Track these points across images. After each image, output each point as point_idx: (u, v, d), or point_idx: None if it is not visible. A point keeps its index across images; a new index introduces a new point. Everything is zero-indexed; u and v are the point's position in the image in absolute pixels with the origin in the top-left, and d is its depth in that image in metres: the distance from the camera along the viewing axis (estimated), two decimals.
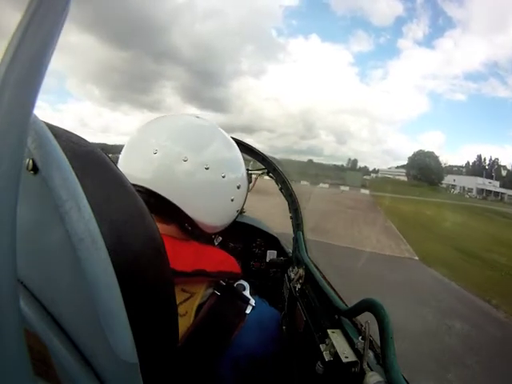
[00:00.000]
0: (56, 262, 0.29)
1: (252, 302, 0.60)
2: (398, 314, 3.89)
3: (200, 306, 0.54)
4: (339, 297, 0.73)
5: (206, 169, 0.58)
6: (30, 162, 0.26)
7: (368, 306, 0.56)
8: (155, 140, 0.59)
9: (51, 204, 0.26)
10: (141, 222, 0.36)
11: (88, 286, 0.27)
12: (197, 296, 0.54)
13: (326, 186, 43.21)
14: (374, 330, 0.54)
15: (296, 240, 1.13)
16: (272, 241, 1.43)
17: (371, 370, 0.51)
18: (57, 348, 0.29)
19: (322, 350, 0.63)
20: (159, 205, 0.56)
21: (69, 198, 0.26)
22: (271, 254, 1.40)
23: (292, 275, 1.05)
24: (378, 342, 0.52)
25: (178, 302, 0.50)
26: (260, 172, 1.22)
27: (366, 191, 40.55)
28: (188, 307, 0.53)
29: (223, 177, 0.60)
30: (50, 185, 0.26)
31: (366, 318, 0.57)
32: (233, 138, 0.71)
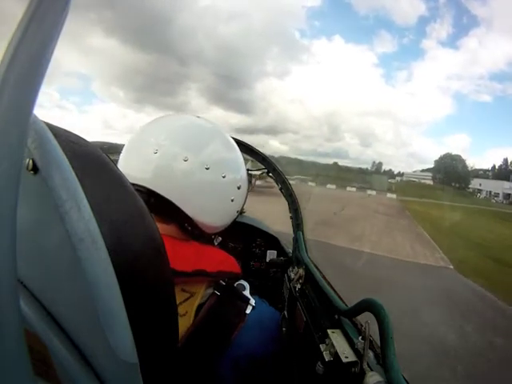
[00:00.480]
0: (56, 261, 0.29)
1: (252, 301, 0.60)
2: (443, 331, 3.84)
3: (200, 306, 0.54)
4: (339, 297, 0.73)
5: (207, 169, 0.58)
6: (30, 161, 0.26)
7: (368, 306, 0.56)
8: (155, 140, 0.59)
9: (51, 204, 0.26)
10: (141, 222, 0.36)
11: (88, 286, 0.27)
12: (197, 296, 0.54)
13: (353, 189, 43.13)
14: (374, 330, 0.54)
15: (296, 240, 1.13)
16: (272, 241, 1.43)
17: (371, 369, 0.51)
18: (57, 348, 0.29)
19: (322, 350, 0.62)
20: (159, 204, 0.56)
21: (69, 198, 0.26)
22: (271, 254, 1.40)
23: (292, 275, 1.05)
24: (378, 342, 0.52)
25: (177, 302, 0.50)
26: (260, 172, 1.22)
27: (392, 195, 40.40)
28: (188, 307, 0.53)
29: (223, 177, 0.60)
30: (50, 185, 0.26)
31: (366, 318, 0.57)
32: (233, 138, 0.71)
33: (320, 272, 0.91)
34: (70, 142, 0.33)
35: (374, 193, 40.31)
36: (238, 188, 0.65)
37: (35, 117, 0.27)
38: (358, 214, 15.39)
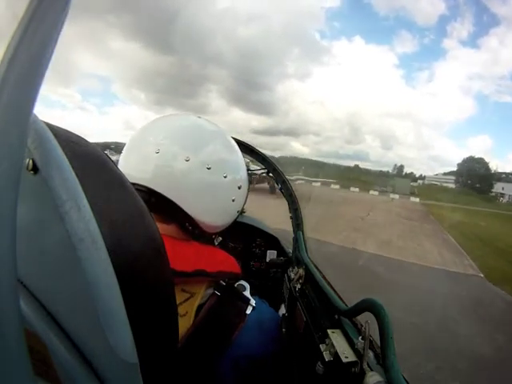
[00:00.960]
0: (56, 261, 0.29)
1: (252, 302, 0.60)
2: (478, 343, 3.73)
3: (200, 307, 0.54)
4: (339, 297, 0.73)
5: (208, 169, 0.58)
6: (30, 161, 0.26)
7: (368, 305, 0.56)
8: (156, 139, 0.59)
9: (51, 204, 0.26)
10: (141, 222, 0.36)
11: (88, 286, 0.27)
12: (197, 296, 0.54)
13: (376, 193, 42.88)
14: (374, 330, 0.54)
15: (296, 240, 1.13)
16: (272, 241, 1.43)
17: (371, 370, 0.51)
18: (57, 348, 0.29)
19: (322, 350, 0.62)
20: (160, 204, 0.56)
21: (69, 198, 0.26)
22: (271, 254, 1.40)
23: (292, 275, 1.05)
24: (378, 342, 0.52)
25: (178, 302, 0.50)
26: (260, 172, 1.22)
27: (415, 199, 39.92)
28: (188, 307, 0.53)
29: (225, 177, 0.61)
30: (50, 185, 0.26)
31: (366, 318, 0.57)
32: (233, 138, 0.71)
33: (320, 272, 0.91)
34: (70, 141, 0.33)
35: (396, 196, 39.83)
36: (239, 188, 0.65)
37: (35, 117, 0.27)
38: (384, 219, 15.29)
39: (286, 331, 0.87)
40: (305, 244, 1.09)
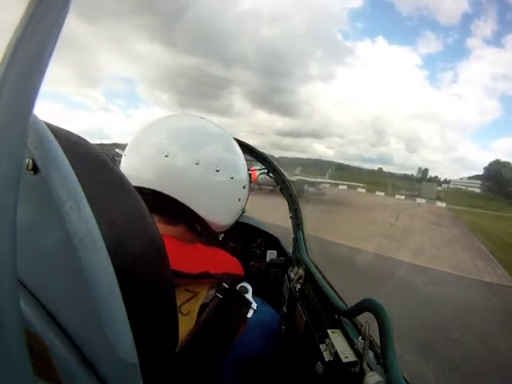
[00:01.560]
0: (56, 261, 0.29)
1: (254, 305, 0.60)
2: None
3: (202, 306, 0.54)
4: (339, 297, 0.73)
5: (217, 171, 0.60)
6: (30, 161, 0.26)
7: (368, 306, 0.56)
8: (164, 142, 0.59)
9: (51, 204, 0.26)
10: (141, 223, 0.36)
11: (88, 286, 0.27)
12: (200, 296, 0.54)
13: (402, 197, 42.67)
14: (374, 330, 0.54)
15: (296, 240, 1.13)
16: (272, 241, 1.43)
17: (371, 369, 0.51)
18: (57, 348, 0.28)
19: (322, 350, 0.63)
20: (167, 206, 0.57)
21: (69, 198, 0.26)
22: (271, 254, 1.40)
23: (292, 275, 1.05)
24: (378, 342, 0.52)
25: (181, 302, 0.51)
26: (260, 172, 1.22)
27: (442, 204, 39.65)
28: (191, 307, 0.53)
29: (231, 178, 0.62)
30: (50, 185, 0.26)
31: (366, 318, 0.57)
32: (233, 138, 0.72)
33: (320, 272, 0.91)
34: (70, 141, 0.33)
35: (423, 201, 39.54)
36: (244, 187, 0.68)
37: (35, 117, 0.27)
38: (413, 225, 15.20)
39: (286, 331, 0.87)
40: (305, 244, 1.09)
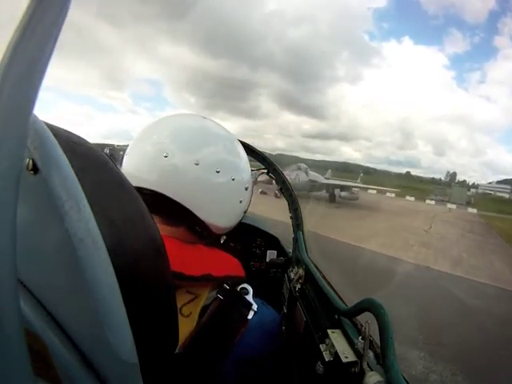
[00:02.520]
0: (56, 261, 0.29)
1: (254, 307, 0.60)
2: None
3: (204, 308, 0.54)
4: (339, 297, 0.73)
5: (217, 172, 0.59)
6: (30, 162, 0.26)
7: (368, 306, 0.56)
8: (163, 142, 0.58)
9: (51, 204, 0.26)
10: (141, 223, 0.36)
11: (88, 286, 0.27)
12: (201, 298, 0.55)
13: (432, 202, 41.82)
14: (374, 330, 0.54)
15: (296, 240, 1.13)
16: (272, 241, 1.43)
17: (371, 369, 0.51)
18: (57, 348, 0.28)
19: (322, 350, 0.62)
20: (168, 207, 0.56)
21: (69, 198, 0.26)
22: (271, 254, 1.40)
23: (292, 275, 1.05)
24: (378, 342, 0.52)
25: (182, 303, 0.51)
26: (260, 172, 1.22)
27: (473, 210, 38.43)
28: (192, 308, 0.53)
29: (233, 179, 0.61)
30: (50, 185, 0.26)
31: (366, 318, 0.57)
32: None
33: (320, 272, 0.91)
34: (70, 141, 0.33)
35: (454, 206, 38.58)
36: (246, 189, 0.66)
37: (35, 117, 0.27)
38: (447, 232, 14.93)
39: (286, 331, 0.87)
40: (305, 244, 1.09)
